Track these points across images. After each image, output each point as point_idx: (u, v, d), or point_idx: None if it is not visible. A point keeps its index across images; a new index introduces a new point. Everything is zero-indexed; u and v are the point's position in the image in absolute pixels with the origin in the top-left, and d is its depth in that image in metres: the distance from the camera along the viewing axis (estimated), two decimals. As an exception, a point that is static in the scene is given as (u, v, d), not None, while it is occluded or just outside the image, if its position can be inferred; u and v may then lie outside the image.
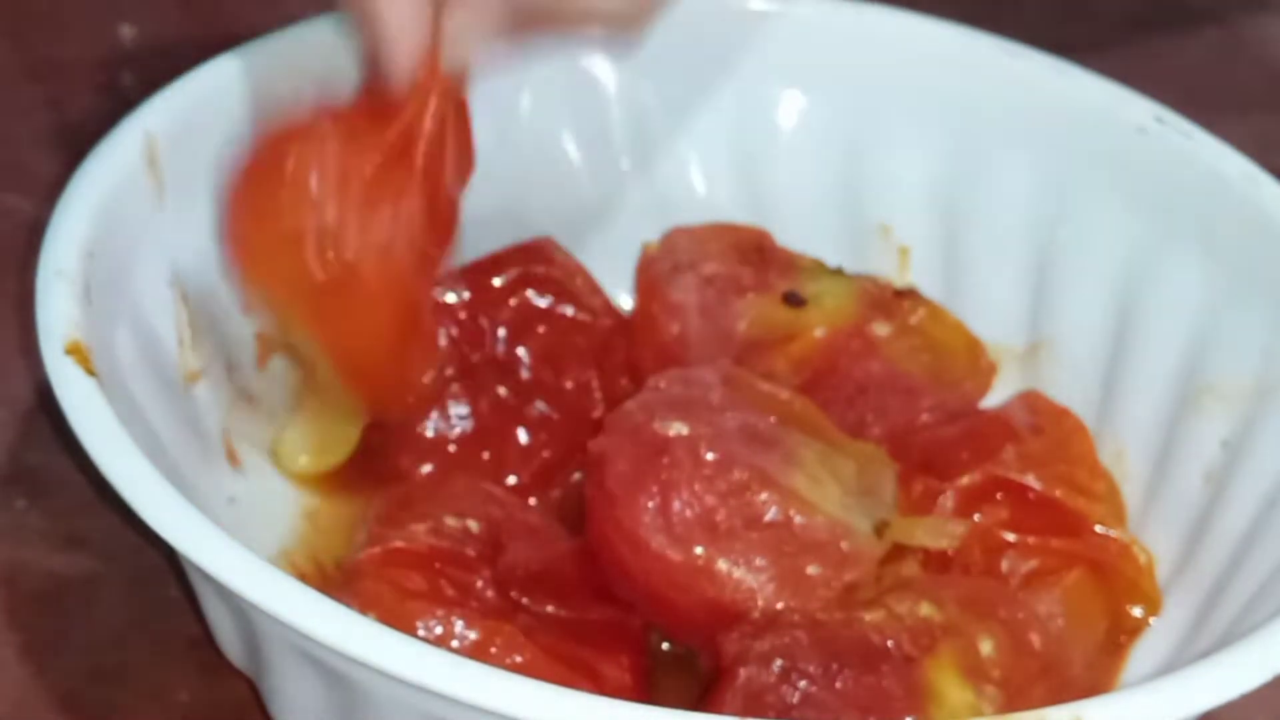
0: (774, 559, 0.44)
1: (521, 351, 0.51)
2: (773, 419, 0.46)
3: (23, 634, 0.47)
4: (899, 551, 0.46)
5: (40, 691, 0.46)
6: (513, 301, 0.51)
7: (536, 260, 0.52)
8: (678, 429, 0.45)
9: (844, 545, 0.44)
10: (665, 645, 0.46)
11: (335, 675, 0.39)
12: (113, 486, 0.40)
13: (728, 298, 0.52)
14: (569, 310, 0.51)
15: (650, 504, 0.44)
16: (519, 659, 0.43)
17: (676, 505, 0.44)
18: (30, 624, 0.47)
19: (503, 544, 0.46)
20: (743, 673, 0.43)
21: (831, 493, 0.45)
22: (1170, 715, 0.37)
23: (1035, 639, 0.45)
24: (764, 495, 0.44)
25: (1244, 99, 0.67)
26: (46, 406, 0.51)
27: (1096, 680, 0.46)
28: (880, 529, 0.45)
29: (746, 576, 0.44)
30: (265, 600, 0.37)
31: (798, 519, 0.44)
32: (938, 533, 0.47)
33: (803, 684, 0.42)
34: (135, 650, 0.47)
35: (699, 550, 0.44)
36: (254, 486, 0.49)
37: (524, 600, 0.45)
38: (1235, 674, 0.38)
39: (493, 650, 0.43)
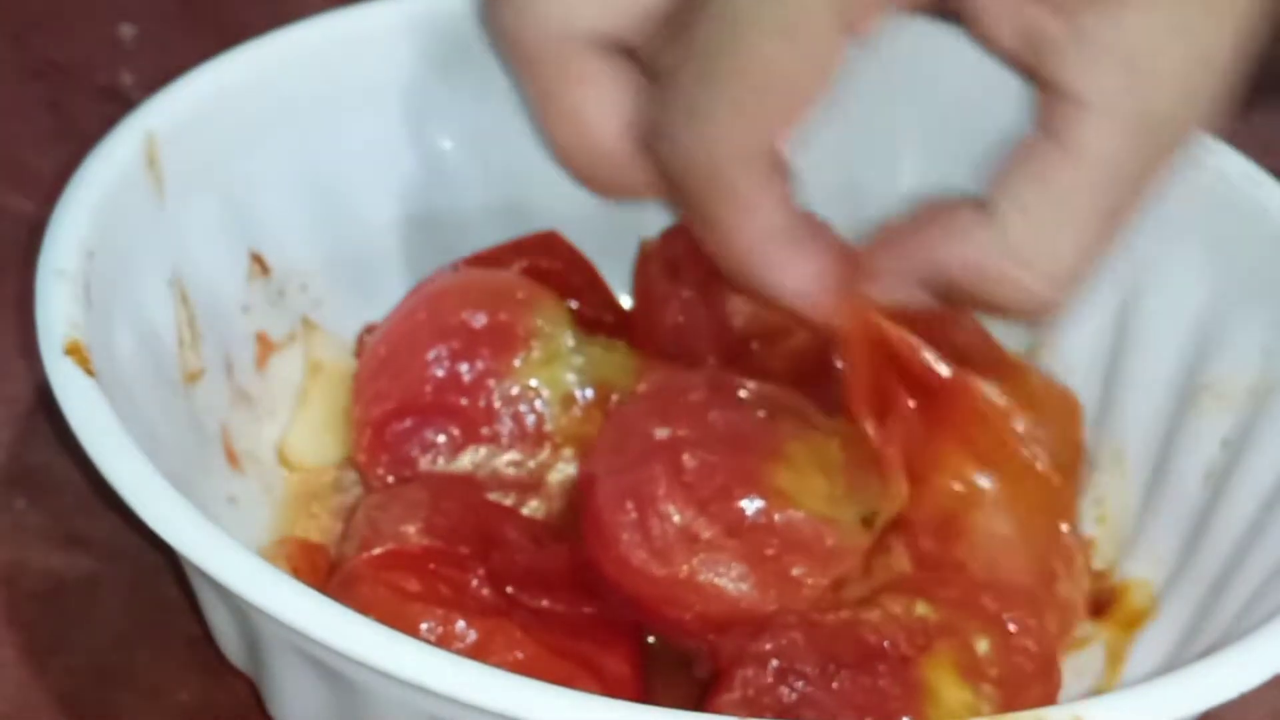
0: (756, 564, 0.44)
1: None
2: (759, 414, 0.46)
3: (23, 634, 0.47)
4: (887, 544, 0.46)
5: (40, 691, 0.46)
6: (521, 294, 0.51)
7: (542, 252, 0.52)
8: (660, 434, 0.45)
9: (828, 541, 0.44)
10: (651, 638, 0.46)
11: (335, 675, 0.39)
12: (112, 486, 0.40)
13: (723, 294, 0.52)
14: (573, 304, 0.51)
15: (630, 520, 0.44)
16: (519, 655, 0.43)
17: (655, 520, 0.44)
18: (30, 624, 0.47)
19: (494, 540, 0.46)
20: (739, 674, 0.43)
21: (817, 487, 0.45)
22: (1169, 714, 0.38)
23: (1032, 640, 0.45)
24: (746, 498, 0.44)
25: (1244, 99, 0.67)
26: (46, 406, 0.51)
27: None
28: (869, 520, 0.45)
29: (731, 585, 0.44)
30: (265, 601, 0.37)
31: (780, 519, 0.44)
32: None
33: (799, 684, 0.42)
34: (135, 650, 0.47)
35: (681, 564, 0.44)
36: (254, 486, 0.49)
37: (520, 596, 0.45)
38: (1235, 673, 0.39)
39: (493, 648, 0.43)
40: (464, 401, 0.48)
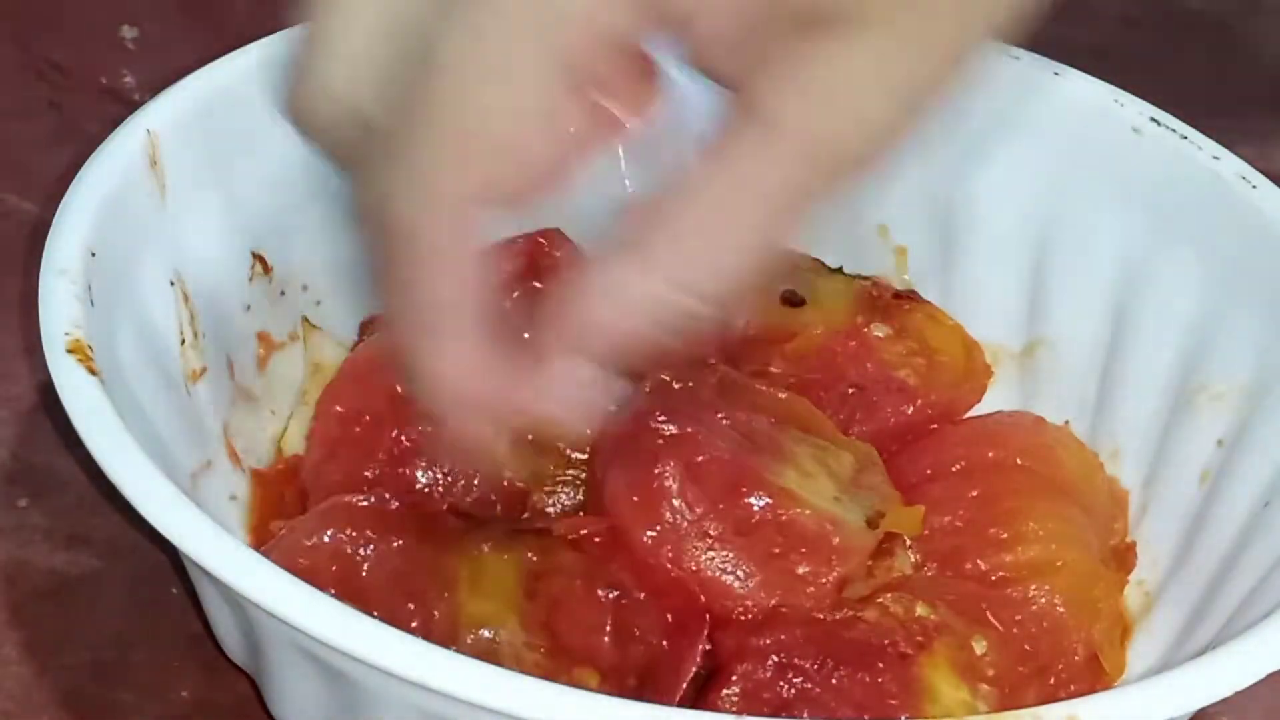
0: (763, 562, 0.44)
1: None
2: (766, 418, 0.47)
3: (25, 632, 0.47)
4: (891, 547, 0.46)
5: (43, 689, 0.46)
6: (516, 291, 0.51)
7: (543, 249, 0.52)
8: (669, 431, 0.45)
9: (834, 540, 0.45)
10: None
11: (335, 672, 0.39)
12: (114, 485, 0.40)
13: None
14: None
15: (639, 513, 0.44)
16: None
17: (666, 514, 0.44)
18: (33, 622, 0.47)
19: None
20: (739, 669, 0.43)
21: (824, 487, 0.45)
22: (1164, 713, 0.38)
23: (1029, 641, 0.45)
24: (753, 495, 0.44)
25: (1240, 100, 0.68)
26: (49, 406, 0.52)
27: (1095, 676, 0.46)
28: (874, 520, 0.45)
29: (736, 582, 0.44)
30: (266, 598, 0.38)
31: (786, 517, 0.44)
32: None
33: (798, 680, 0.43)
34: (137, 648, 0.47)
35: (690, 561, 0.44)
36: (255, 485, 0.49)
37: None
38: (1229, 672, 0.39)
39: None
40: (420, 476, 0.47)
